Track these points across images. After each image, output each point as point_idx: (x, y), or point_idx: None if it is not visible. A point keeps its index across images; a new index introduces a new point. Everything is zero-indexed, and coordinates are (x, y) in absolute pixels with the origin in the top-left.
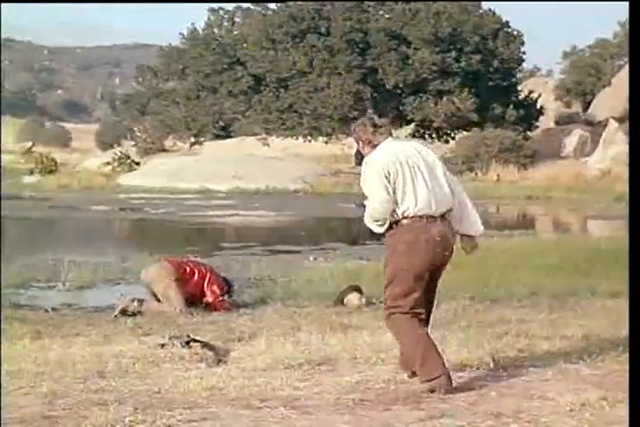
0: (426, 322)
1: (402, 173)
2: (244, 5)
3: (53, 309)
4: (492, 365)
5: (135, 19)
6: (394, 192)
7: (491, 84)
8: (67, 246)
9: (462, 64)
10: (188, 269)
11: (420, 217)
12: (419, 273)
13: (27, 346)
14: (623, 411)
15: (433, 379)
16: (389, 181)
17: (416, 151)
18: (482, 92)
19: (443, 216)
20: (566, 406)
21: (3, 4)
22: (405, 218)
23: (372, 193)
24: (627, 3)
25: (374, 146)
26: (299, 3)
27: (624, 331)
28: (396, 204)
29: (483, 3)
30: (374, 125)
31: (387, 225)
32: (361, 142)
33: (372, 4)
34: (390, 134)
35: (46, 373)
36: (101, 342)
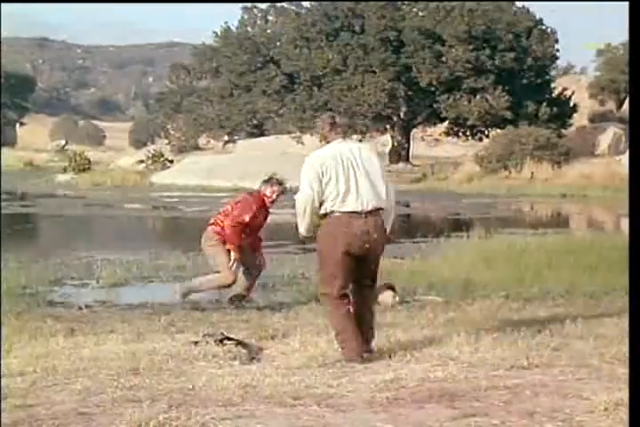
0: (361, 296)
1: (336, 171)
2: (278, 4)
3: (87, 306)
4: (526, 363)
5: (169, 17)
6: (325, 188)
7: (524, 81)
8: (100, 244)
9: (496, 62)
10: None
11: (344, 213)
12: (339, 262)
13: (60, 343)
14: None
15: (349, 355)
16: (322, 177)
17: (359, 153)
18: (515, 89)
19: (371, 213)
20: (601, 405)
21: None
22: (332, 212)
23: (301, 188)
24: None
25: (328, 142)
26: (333, 1)
27: None
28: (326, 199)
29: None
30: (332, 124)
31: (307, 227)
32: (319, 136)
33: (406, 2)
34: (346, 134)
35: (80, 370)
36: (135, 339)
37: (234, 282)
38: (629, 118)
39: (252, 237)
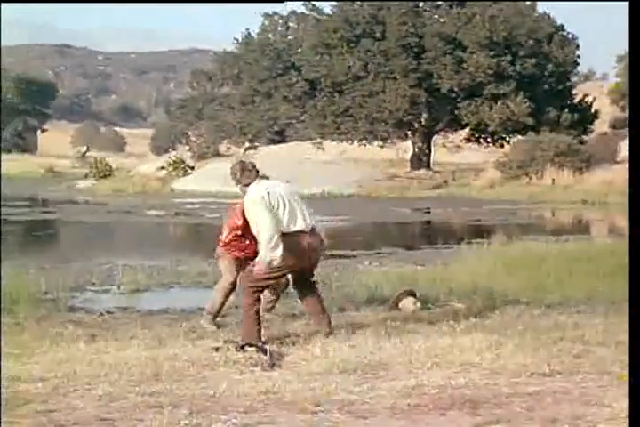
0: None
1: (276, 201)
2: (299, 10)
3: (108, 312)
4: (547, 370)
5: (190, 24)
6: (275, 215)
7: (545, 87)
8: (121, 250)
9: (517, 68)
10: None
11: (295, 232)
12: (288, 271)
13: (82, 349)
14: None
15: (245, 343)
16: (271, 207)
17: (278, 185)
18: (537, 95)
19: (312, 230)
20: (622, 412)
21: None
22: (285, 234)
23: (263, 224)
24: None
25: (245, 185)
26: (354, 7)
27: None
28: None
29: (538, 6)
30: (242, 169)
31: (279, 248)
32: (235, 182)
33: (427, 8)
34: (257, 176)
35: (101, 375)
36: (156, 345)
37: (234, 284)
38: (629, 118)
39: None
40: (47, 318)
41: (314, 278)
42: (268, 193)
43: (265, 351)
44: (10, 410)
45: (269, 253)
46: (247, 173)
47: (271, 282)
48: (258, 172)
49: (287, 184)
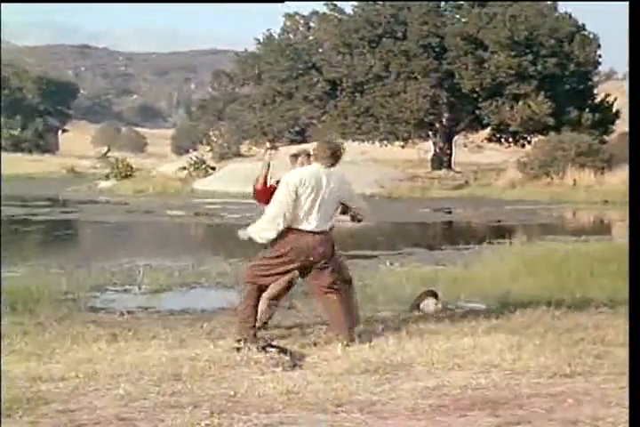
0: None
1: (306, 192)
2: (320, 10)
3: (129, 312)
4: (568, 371)
5: (211, 24)
6: (294, 206)
7: (567, 87)
8: (142, 251)
9: (538, 67)
10: None
11: (297, 230)
12: (284, 270)
13: (103, 349)
14: None
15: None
16: (295, 197)
17: (331, 177)
18: (558, 95)
19: (323, 233)
20: None
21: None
22: (289, 229)
23: (274, 205)
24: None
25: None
26: (375, 7)
27: None
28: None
29: (559, 5)
30: (321, 150)
31: (271, 233)
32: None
33: (448, 8)
34: (327, 161)
35: (122, 375)
36: (177, 345)
37: (276, 296)
38: (629, 119)
39: None
40: (68, 318)
41: (335, 286)
42: (304, 182)
43: (286, 352)
44: (31, 410)
45: (259, 232)
46: (320, 155)
47: (268, 280)
48: (334, 158)
49: (344, 181)
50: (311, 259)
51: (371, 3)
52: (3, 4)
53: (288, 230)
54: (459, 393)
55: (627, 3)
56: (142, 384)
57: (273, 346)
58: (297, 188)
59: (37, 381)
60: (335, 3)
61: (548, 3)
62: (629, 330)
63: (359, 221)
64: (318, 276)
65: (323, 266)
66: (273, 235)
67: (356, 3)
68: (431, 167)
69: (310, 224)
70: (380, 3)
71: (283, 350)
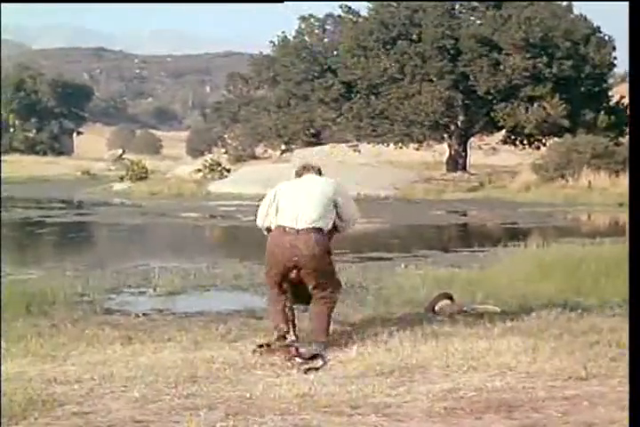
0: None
1: (286, 194)
2: (335, 13)
3: (144, 314)
4: (584, 374)
5: (226, 27)
6: (276, 208)
7: (582, 89)
8: (157, 253)
9: (553, 70)
10: None
11: (279, 227)
12: (272, 267)
13: (118, 351)
14: None
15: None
16: (274, 200)
17: (314, 184)
18: (573, 97)
19: (307, 230)
20: None
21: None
22: (275, 228)
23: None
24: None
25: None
26: (390, 9)
27: None
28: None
29: (574, 7)
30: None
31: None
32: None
33: (463, 10)
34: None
35: (137, 377)
36: (192, 347)
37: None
38: (629, 119)
39: None
40: (83, 320)
41: (317, 291)
42: (280, 190)
43: (322, 357)
44: (46, 412)
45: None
46: (296, 171)
47: (271, 279)
48: (303, 170)
49: (327, 183)
50: (295, 259)
51: (385, 4)
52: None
53: (274, 229)
54: (474, 396)
55: None
56: (157, 386)
57: (288, 346)
58: (277, 191)
59: (52, 383)
60: (349, 5)
61: (564, 4)
62: (629, 330)
63: (338, 231)
64: (309, 280)
65: (312, 269)
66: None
67: (370, 5)
68: (446, 169)
69: (288, 220)
70: (395, 4)
71: (319, 355)
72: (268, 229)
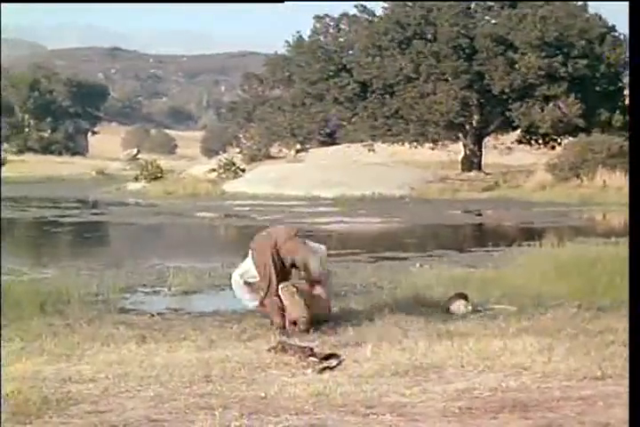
0: None
1: None
2: (351, 12)
3: (159, 313)
4: (599, 374)
5: (241, 27)
6: None
7: (597, 88)
8: (172, 252)
9: (569, 69)
10: None
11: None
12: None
13: (133, 350)
14: None
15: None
16: None
17: None
18: (588, 97)
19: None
20: None
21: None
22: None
23: None
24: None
25: None
26: (405, 9)
27: None
28: None
29: (589, 6)
30: None
31: None
32: None
33: (478, 9)
34: None
35: (152, 377)
36: (207, 346)
37: None
38: (629, 120)
39: None
40: (98, 320)
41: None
42: None
43: (336, 356)
44: (61, 410)
45: None
46: None
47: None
48: None
49: None
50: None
51: (401, 4)
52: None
53: None
54: (489, 396)
55: None
56: (172, 386)
57: (303, 348)
58: None
59: (67, 382)
60: (364, 4)
61: (579, 3)
62: (629, 330)
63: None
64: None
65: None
66: None
67: (386, 4)
68: (461, 169)
69: None
70: (410, 4)
71: (333, 356)
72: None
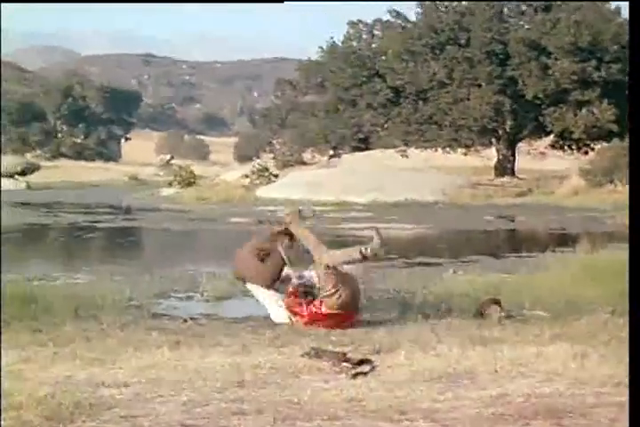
0: None
1: None
2: (384, 18)
3: (192, 319)
4: None
5: (275, 33)
6: None
7: None
8: (205, 258)
9: (602, 74)
10: None
11: None
12: None
13: (166, 355)
14: None
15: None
16: None
17: None
18: (622, 102)
19: None
20: None
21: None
22: None
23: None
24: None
25: None
26: (438, 14)
27: None
28: None
29: (622, 10)
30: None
31: None
32: None
33: (511, 14)
34: None
35: (185, 382)
36: (240, 352)
37: None
38: (629, 119)
39: None
40: (131, 325)
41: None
42: None
43: (370, 362)
44: (94, 415)
45: None
46: None
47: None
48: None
49: None
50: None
51: (434, 9)
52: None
53: None
54: (522, 402)
55: None
56: (205, 391)
57: (336, 353)
58: None
59: (100, 386)
60: (397, 9)
61: (612, 8)
62: (629, 330)
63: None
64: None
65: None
66: None
67: (419, 10)
68: (494, 174)
69: None
70: (443, 9)
71: (366, 361)
72: None
